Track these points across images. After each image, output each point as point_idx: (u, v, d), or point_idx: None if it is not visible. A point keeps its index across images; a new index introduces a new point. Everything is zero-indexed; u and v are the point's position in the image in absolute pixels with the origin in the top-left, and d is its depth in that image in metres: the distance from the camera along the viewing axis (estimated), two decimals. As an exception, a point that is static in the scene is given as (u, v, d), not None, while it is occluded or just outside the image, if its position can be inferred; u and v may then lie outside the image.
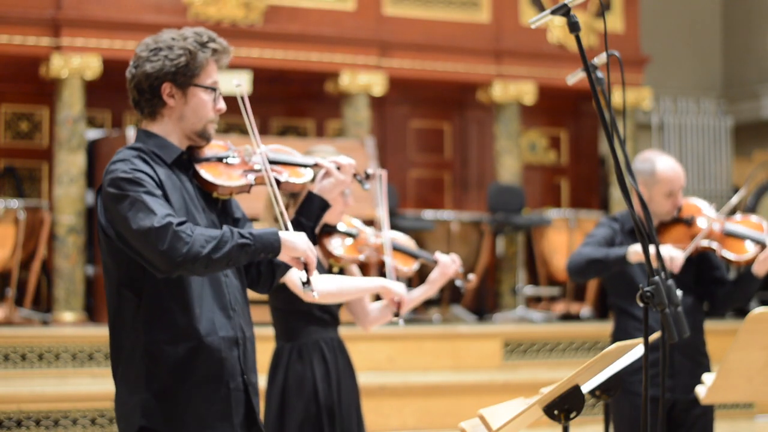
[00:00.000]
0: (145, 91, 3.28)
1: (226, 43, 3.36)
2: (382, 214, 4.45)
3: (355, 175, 3.73)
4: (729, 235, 4.91)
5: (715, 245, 4.90)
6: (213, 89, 3.31)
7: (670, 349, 4.88)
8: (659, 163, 4.93)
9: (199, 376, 3.20)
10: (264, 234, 3.20)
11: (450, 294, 9.70)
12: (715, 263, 5.05)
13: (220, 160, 3.35)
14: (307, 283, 3.28)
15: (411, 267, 4.55)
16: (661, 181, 4.91)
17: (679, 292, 3.45)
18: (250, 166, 3.37)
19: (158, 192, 3.16)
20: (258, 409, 3.35)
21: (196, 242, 3.08)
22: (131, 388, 3.20)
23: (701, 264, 5.04)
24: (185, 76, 3.27)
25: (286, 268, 3.47)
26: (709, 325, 5.19)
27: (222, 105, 3.34)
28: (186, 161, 3.31)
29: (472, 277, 4.72)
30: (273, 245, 3.21)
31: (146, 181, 3.15)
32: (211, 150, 3.37)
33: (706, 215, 4.98)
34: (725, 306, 5.05)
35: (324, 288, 4.22)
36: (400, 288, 4.35)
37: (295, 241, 3.24)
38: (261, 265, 3.45)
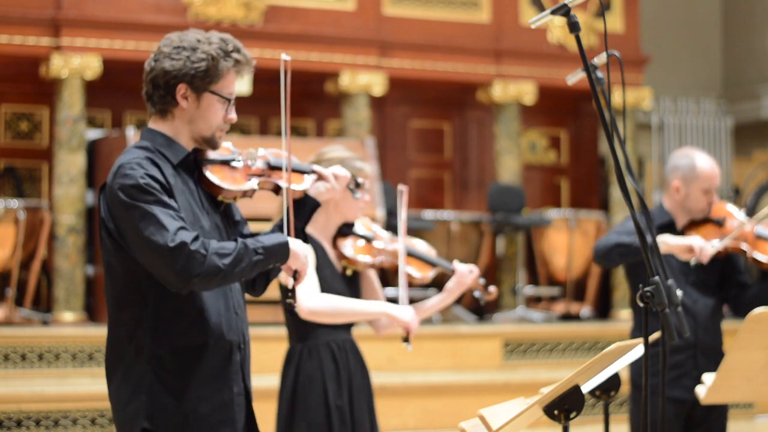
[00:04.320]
0: (161, 86, 3.23)
1: (250, 55, 3.32)
2: (400, 225, 4.40)
3: (348, 184, 3.75)
4: (760, 238, 4.95)
5: (745, 246, 4.92)
6: (228, 99, 3.28)
7: (693, 351, 4.93)
8: (699, 160, 5.00)
9: (205, 379, 3.17)
10: (274, 246, 3.20)
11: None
12: (740, 267, 5.11)
13: (224, 162, 3.34)
14: (291, 293, 3.29)
15: (426, 274, 4.49)
16: (700, 177, 4.97)
17: (679, 292, 3.46)
18: (254, 171, 3.36)
19: (168, 200, 3.12)
20: (255, 416, 3.34)
21: (210, 262, 3.06)
22: (134, 390, 3.15)
23: (726, 267, 5.09)
24: (203, 81, 3.22)
25: (279, 270, 3.44)
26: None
27: (233, 116, 3.30)
28: (192, 162, 3.28)
29: (493, 289, 4.64)
30: (283, 256, 3.22)
31: (156, 189, 3.10)
32: (215, 152, 3.35)
33: (737, 218, 5.01)
34: (752, 308, 5.06)
35: (318, 305, 4.20)
36: (406, 315, 4.30)
37: (299, 251, 3.25)
38: None
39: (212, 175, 3.29)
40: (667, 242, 4.80)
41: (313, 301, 4.21)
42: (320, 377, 4.34)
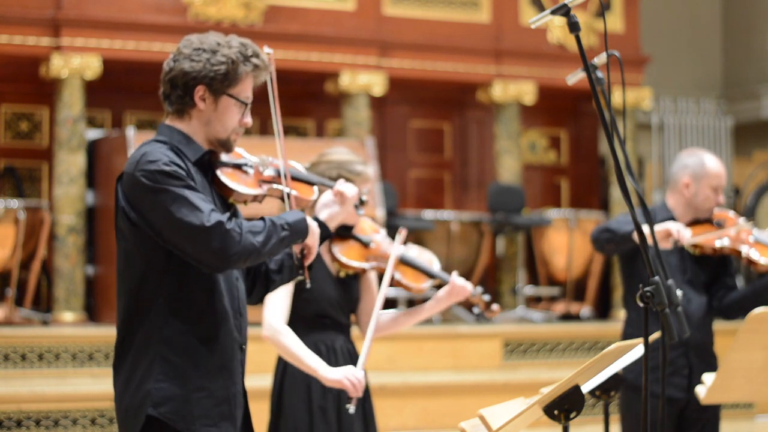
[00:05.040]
0: (179, 87, 3.27)
1: (268, 60, 3.36)
2: (392, 259, 4.35)
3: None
4: (757, 243, 5.00)
5: (743, 246, 4.97)
6: (245, 104, 3.31)
7: (685, 350, 4.94)
8: (708, 158, 5.10)
9: (212, 373, 3.21)
10: (297, 222, 3.29)
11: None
12: (730, 270, 5.16)
13: (237, 166, 3.37)
14: (301, 271, 3.37)
15: (420, 285, 4.41)
16: (710, 175, 5.04)
17: (679, 292, 3.46)
18: (265, 177, 3.40)
19: (195, 185, 3.17)
20: (250, 415, 3.37)
21: (246, 240, 3.14)
22: (142, 377, 3.18)
23: (718, 268, 5.13)
24: (222, 84, 3.26)
25: (281, 283, 3.50)
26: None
27: (249, 120, 3.35)
28: (206, 163, 3.32)
29: (496, 307, 4.50)
30: (304, 232, 3.31)
31: (183, 175, 3.15)
32: (227, 156, 3.38)
33: (737, 223, 5.07)
34: (738, 311, 5.07)
35: (271, 334, 4.18)
36: (333, 375, 4.12)
37: (315, 230, 3.35)
38: (257, 277, 3.49)
39: (225, 177, 3.33)
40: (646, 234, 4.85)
41: (273, 328, 4.20)
42: (304, 377, 4.33)
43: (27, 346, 7.68)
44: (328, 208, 3.56)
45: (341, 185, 3.59)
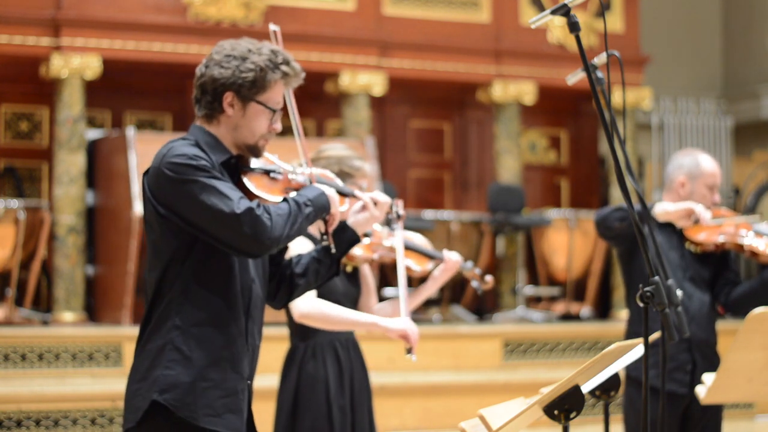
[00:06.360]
0: (208, 93, 3.31)
1: (299, 68, 3.38)
2: (399, 251, 4.38)
3: (387, 213, 3.77)
4: (758, 235, 5.04)
5: (744, 240, 5.00)
6: (274, 110, 3.34)
7: (689, 346, 4.95)
8: (702, 157, 5.16)
9: (219, 364, 3.23)
10: (317, 197, 3.33)
11: (450, 294, 9.70)
12: (731, 265, 5.17)
13: (265, 172, 3.38)
14: (325, 237, 3.43)
15: (425, 267, 4.48)
16: (705, 174, 5.09)
17: (679, 292, 3.46)
18: (293, 185, 3.40)
19: (222, 177, 3.21)
20: (252, 413, 3.38)
21: (277, 224, 3.19)
22: (152, 362, 3.21)
23: (720, 263, 5.15)
24: (250, 90, 3.29)
25: (304, 290, 3.52)
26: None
27: (278, 126, 3.37)
28: (233, 166, 3.34)
29: (489, 278, 4.68)
30: (327, 206, 3.35)
31: (208, 167, 3.19)
32: (257, 161, 3.39)
33: (736, 218, 5.12)
34: (747, 305, 5.06)
35: (310, 309, 4.20)
36: (399, 325, 4.22)
37: (335, 198, 3.39)
38: (282, 282, 3.51)
39: (249, 182, 3.34)
40: (666, 210, 4.91)
41: (308, 305, 4.22)
42: (323, 377, 4.34)
43: (27, 346, 7.68)
44: (358, 214, 3.56)
45: (375, 194, 3.59)
